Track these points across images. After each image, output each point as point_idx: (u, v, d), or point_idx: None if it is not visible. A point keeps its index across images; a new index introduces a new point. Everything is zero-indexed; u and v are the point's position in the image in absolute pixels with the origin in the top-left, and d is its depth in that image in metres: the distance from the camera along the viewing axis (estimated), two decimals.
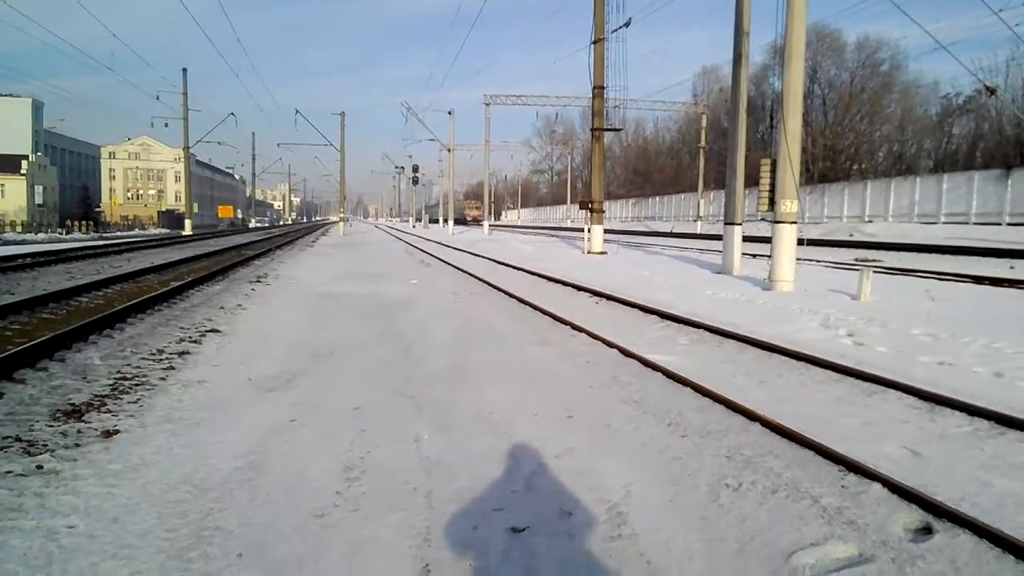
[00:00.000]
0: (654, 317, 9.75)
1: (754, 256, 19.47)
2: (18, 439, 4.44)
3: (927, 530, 3.29)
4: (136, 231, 62.01)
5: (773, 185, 13.07)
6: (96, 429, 4.70)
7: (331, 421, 5.05)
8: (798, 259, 12.77)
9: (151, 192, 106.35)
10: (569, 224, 72.51)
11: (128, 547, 3.11)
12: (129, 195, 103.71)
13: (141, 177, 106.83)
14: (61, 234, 45.94)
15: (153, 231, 63.60)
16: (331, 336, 8.53)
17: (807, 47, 13.30)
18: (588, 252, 23.56)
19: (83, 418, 4.94)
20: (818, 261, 19.11)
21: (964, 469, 4.07)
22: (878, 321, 8.66)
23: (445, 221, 62.16)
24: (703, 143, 51.54)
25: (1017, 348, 7.09)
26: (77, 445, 4.38)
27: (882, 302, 10.38)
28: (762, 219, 30.22)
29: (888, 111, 52.18)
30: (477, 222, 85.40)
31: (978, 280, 13.87)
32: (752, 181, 15.86)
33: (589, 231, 23.95)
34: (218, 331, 8.74)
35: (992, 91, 20.64)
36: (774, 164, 13.07)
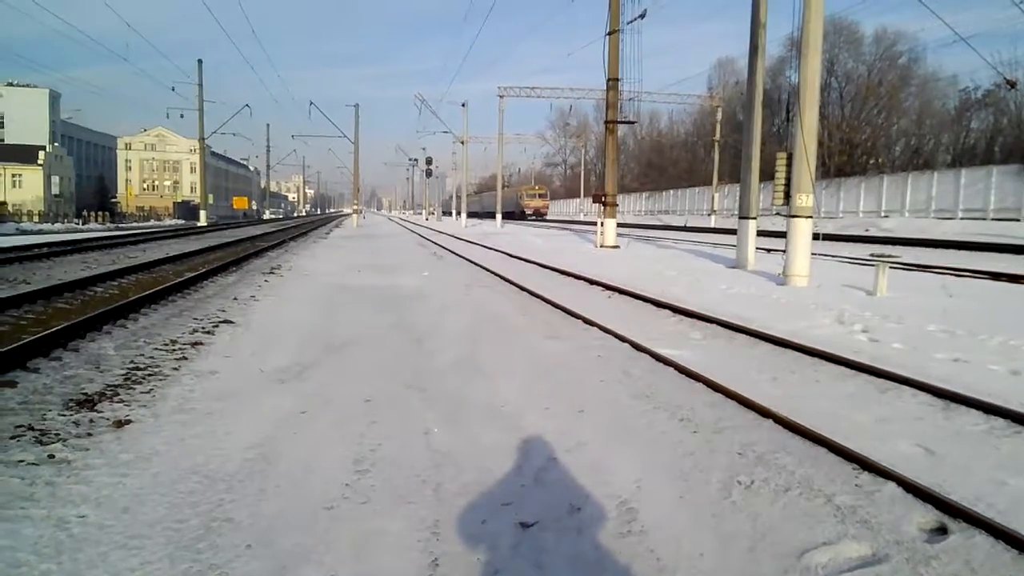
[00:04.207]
0: (667, 311, 9.70)
1: (768, 251, 19.31)
2: (31, 428, 4.47)
3: (942, 530, 3.25)
4: (152, 222, 62.56)
5: (788, 179, 12.95)
6: (108, 419, 4.73)
7: (342, 413, 5.05)
8: (813, 254, 12.65)
9: (167, 183, 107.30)
10: (582, 217, 72.03)
11: (138, 537, 3.12)
12: (145, 186, 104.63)
13: (157, 168, 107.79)
14: (78, 224, 46.42)
15: (168, 222, 64.06)
16: (343, 328, 8.54)
17: (824, 39, 13.15)
18: (601, 246, 23.46)
19: (95, 408, 4.97)
20: (833, 256, 18.95)
21: (980, 468, 4.01)
22: (893, 317, 8.56)
23: (458, 214, 62.05)
24: (718, 136, 51.22)
25: None
26: (89, 435, 4.40)
27: (898, 298, 10.27)
28: (777, 213, 30.01)
29: (906, 105, 51.65)
30: (540, 215, 72.77)
31: (995, 276, 13.70)
32: (767, 175, 15.72)
33: (602, 225, 23.84)
34: (231, 322, 8.77)
35: (1012, 84, 20.37)
36: (790, 158, 12.95)
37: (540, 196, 75.00)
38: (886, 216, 38.99)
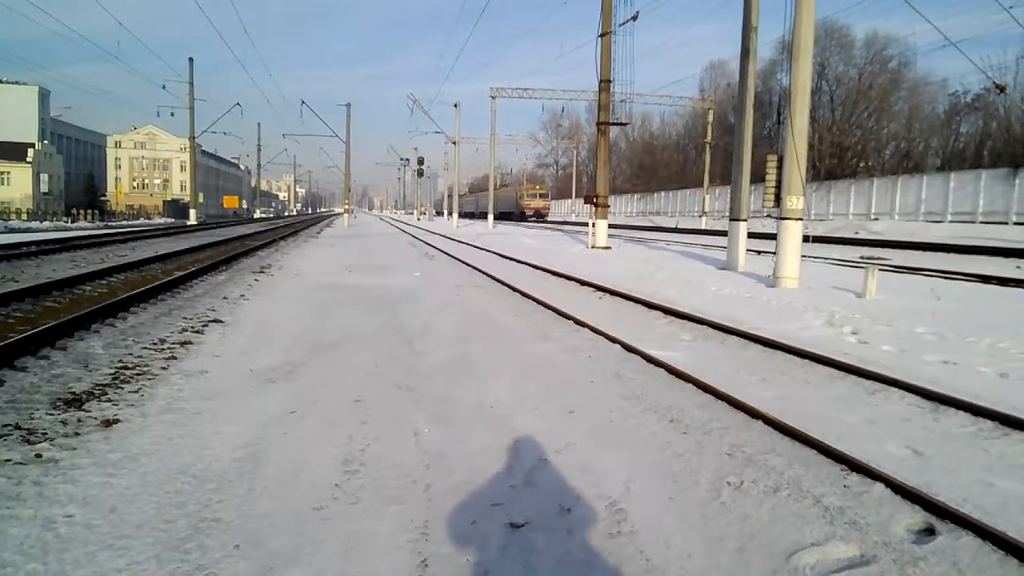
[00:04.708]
0: (657, 313, 9.72)
1: (759, 252, 19.39)
2: (18, 427, 4.44)
3: (930, 531, 3.27)
4: (141, 220, 62.25)
5: (779, 181, 13.01)
6: (96, 418, 4.69)
7: (331, 413, 5.04)
8: (803, 256, 12.71)
9: (157, 181, 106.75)
10: (573, 218, 71.92)
11: (125, 537, 3.10)
12: (135, 184, 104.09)
13: (147, 166, 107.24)
14: (67, 222, 46.13)
15: (158, 220, 63.80)
16: (333, 328, 8.51)
17: (815, 43, 13.21)
18: (592, 247, 23.49)
19: (83, 407, 4.93)
20: (823, 258, 19.03)
21: (967, 470, 4.04)
22: (883, 319, 8.61)
23: (449, 214, 61.94)
24: (709, 138, 51.29)
25: (1023, 348, 7.04)
26: (77, 434, 4.37)
27: (887, 300, 10.33)
28: (768, 215, 30.14)
29: (896, 108, 51.89)
30: (540, 216, 68.10)
31: (984, 279, 13.79)
32: (758, 177, 15.80)
33: (594, 226, 23.88)
34: (221, 321, 8.73)
35: (1001, 89, 20.53)
36: (780, 160, 13.01)
37: (541, 196, 70.90)
38: (876, 219, 39.19)
